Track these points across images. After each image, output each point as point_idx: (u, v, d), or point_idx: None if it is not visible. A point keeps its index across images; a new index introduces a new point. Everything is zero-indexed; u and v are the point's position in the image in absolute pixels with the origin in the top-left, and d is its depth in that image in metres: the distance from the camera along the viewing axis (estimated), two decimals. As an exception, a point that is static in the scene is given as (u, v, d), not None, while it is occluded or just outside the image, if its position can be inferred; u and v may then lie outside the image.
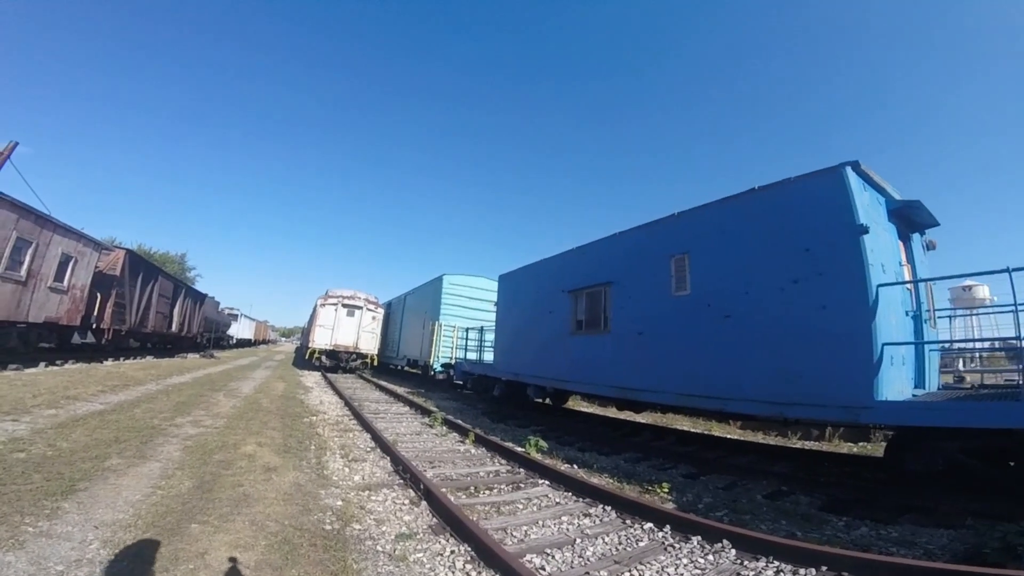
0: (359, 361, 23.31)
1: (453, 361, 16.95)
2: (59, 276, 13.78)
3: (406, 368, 23.08)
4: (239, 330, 52.69)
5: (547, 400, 12.49)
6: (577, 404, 14.10)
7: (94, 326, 16.45)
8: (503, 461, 6.74)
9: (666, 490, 5.49)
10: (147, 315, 20.82)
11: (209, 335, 36.33)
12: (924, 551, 4.01)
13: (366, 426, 8.35)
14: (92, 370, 13.14)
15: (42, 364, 12.79)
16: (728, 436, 9.59)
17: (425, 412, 10.77)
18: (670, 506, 5.01)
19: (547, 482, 5.74)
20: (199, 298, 31.70)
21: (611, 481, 5.99)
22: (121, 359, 17.86)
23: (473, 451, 7.32)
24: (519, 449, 7.06)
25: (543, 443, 7.40)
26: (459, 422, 9.33)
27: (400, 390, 15.65)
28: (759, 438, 9.70)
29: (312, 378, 18.84)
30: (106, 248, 17.50)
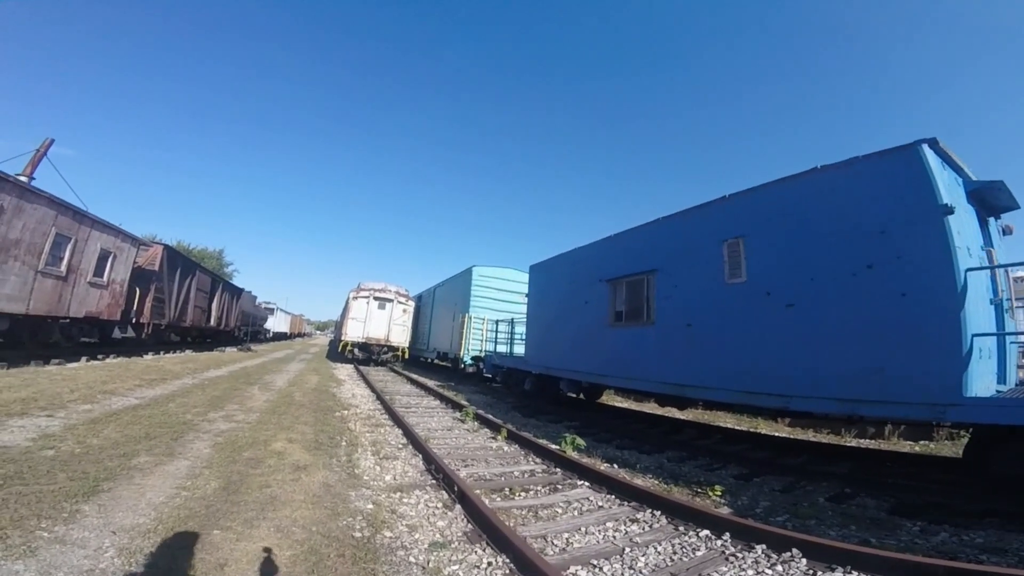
0: (390, 354, 23.37)
1: (483, 354, 16.73)
2: (98, 271, 14.07)
3: (436, 361, 23.02)
4: (275, 324, 54.05)
5: (580, 395, 12.12)
6: (611, 399, 13.68)
7: (134, 320, 16.86)
8: (537, 460, 6.42)
9: (719, 493, 5.13)
10: (186, 309, 21.31)
11: (246, 329, 37.21)
12: (1019, 559, 3.61)
13: (398, 421, 8.16)
14: (131, 364, 13.40)
15: (84, 358, 13.07)
16: (776, 434, 9.04)
17: (456, 406, 10.56)
18: (725, 511, 4.62)
19: (587, 483, 5.39)
20: (236, 292, 32.46)
21: (656, 482, 5.61)
22: (161, 353, 18.27)
23: (506, 448, 7.02)
24: (554, 447, 6.72)
25: (580, 440, 7.02)
26: (490, 417, 9.05)
27: (430, 383, 15.52)
28: (810, 436, 9.11)
29: (345, 371, 18.96)
30: (144, 243, 17.91)
